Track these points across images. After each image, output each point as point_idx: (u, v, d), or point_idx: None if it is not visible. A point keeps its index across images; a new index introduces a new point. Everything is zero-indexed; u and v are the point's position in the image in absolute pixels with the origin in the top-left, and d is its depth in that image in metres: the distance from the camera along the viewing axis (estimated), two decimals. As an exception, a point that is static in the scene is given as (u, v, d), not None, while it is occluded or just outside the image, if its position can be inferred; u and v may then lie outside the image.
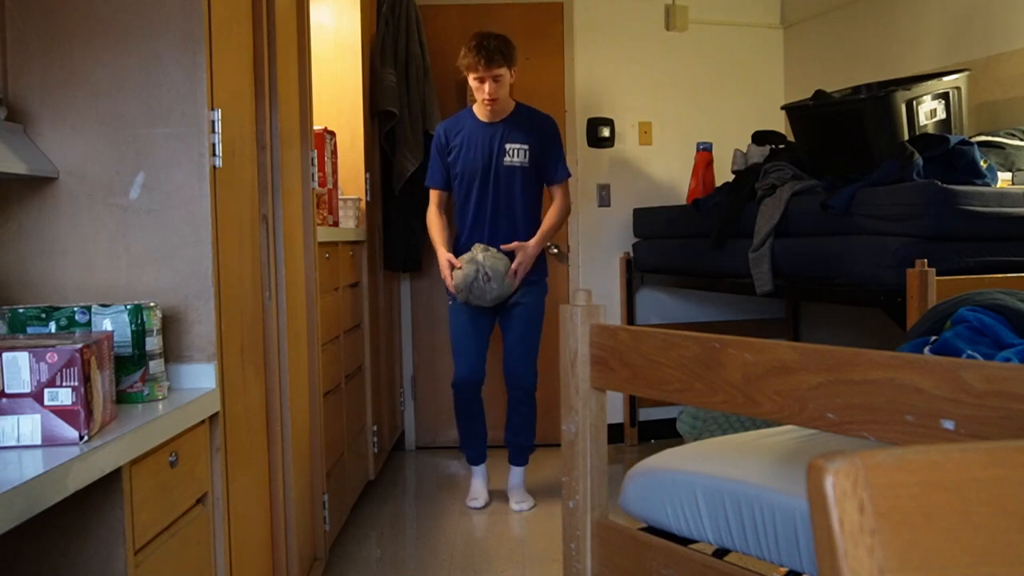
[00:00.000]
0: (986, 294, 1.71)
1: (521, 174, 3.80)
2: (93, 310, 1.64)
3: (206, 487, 1.81)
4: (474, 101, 3.88)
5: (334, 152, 3.72)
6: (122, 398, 1.63)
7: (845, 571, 0.58)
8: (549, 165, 3.85)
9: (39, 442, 1.32)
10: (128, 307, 1.64)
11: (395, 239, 4.53)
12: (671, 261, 4.46)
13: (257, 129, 2.26)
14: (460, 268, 3.69)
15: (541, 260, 3.88)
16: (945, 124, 3.41)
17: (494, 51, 3.68)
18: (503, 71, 3.72)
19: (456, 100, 4.88)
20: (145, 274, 1.80)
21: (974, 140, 3.21)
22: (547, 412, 4.49)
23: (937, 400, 1.09)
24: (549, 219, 3.86)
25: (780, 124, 4.58)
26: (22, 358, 1.32)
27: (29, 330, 1.62)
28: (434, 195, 3.92)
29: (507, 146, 3.78)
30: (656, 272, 4.66)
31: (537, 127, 3.82)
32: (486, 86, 3.72)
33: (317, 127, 3.32)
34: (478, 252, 3.69)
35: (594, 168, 4.94)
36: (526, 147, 3.78)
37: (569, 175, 3.90)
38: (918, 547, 0.60)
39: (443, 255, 3.79)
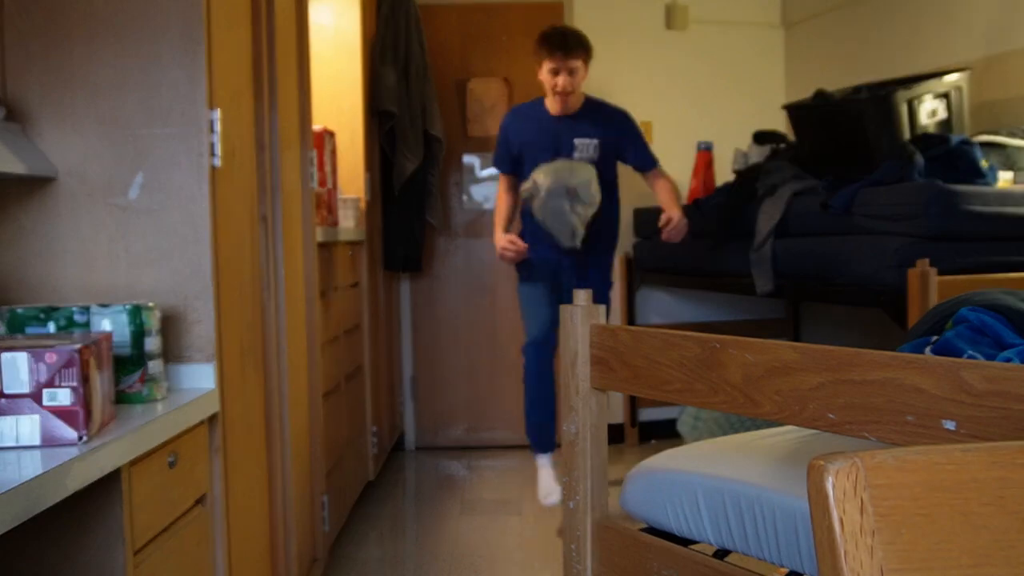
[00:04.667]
0: (987, 294, 1.71)
1: (589, 166, 3.70)
2: (92, 310, 1.64)
3: (206, 487, 1.81)
4: (541, 95, 3.83)
5: (334, 152, 3.72)
6: (121, 398, 1.63)
7: (845, 571, 0.58)
8: (634, 155, 3.80)
9: (38, 442, 1.32)
10: (127, 307, 1.64)
11: (395, 239, 4.52)
12: (671, 261, 4.46)
13: (257, 129, 2.26)
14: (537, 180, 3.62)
15: (616, 228, 3.90)
16: (946, 124, 3.40)
17: (573, 42, 3.64)
18: (579, 63, 3.65)
19: (456, 100, 4.88)
20: (145, 274, 1.80)
21: (975, 140, 3.20)
22: (547, 412, 4.49)
23: (938, 400, 1.09)
24: (664, 194, 3.82)
25: (780, 124, 4.58)
26: (21, 358, 1.32)
27: (28, 330, 1.61)
28: (502, 179, 3.90)
29: (576, 140, 3.68)
30: (656, 272, 4.66)
31: (608, 120, 3.74)
32: (560, 78, 3.63)
33: (317, 127, 3.31)
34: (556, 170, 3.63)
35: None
36: (595, 141, 3.69)
37: (657, 162, 3.83)
38: (918, 547, 0.59)
39: (498, 236, 3.75)
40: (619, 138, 3.74)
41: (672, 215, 3.72)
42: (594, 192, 3.59)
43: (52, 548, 1.41)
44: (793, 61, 5.13)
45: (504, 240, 3.69)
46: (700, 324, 4.87)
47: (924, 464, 0.61)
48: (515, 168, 3.80)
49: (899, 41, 4.24)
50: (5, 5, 1.77)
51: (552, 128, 3.71)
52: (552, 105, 3.74)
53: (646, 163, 3.83)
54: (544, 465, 3.77)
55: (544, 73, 3.68)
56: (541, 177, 3.59)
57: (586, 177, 3.58)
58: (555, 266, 3.77)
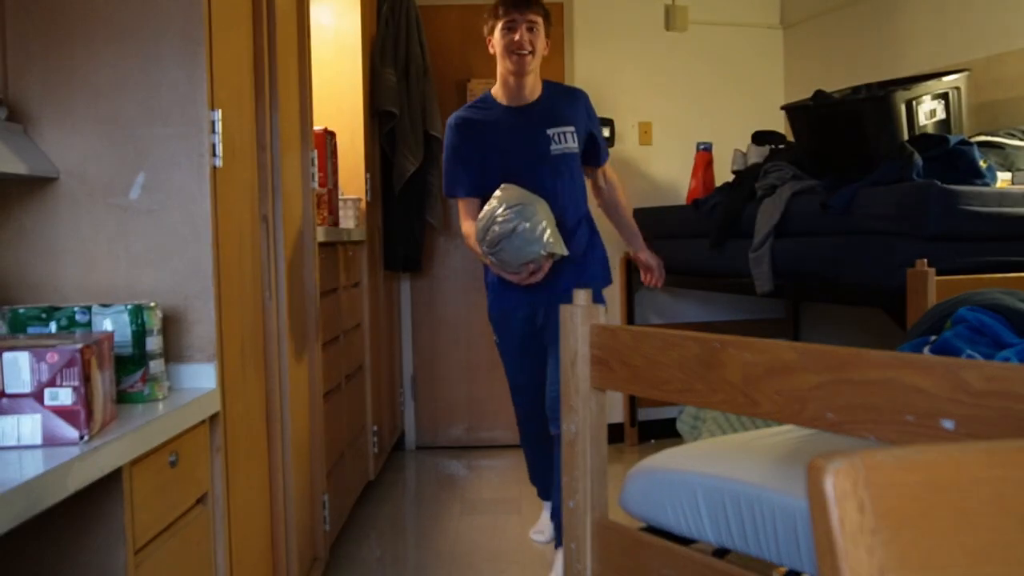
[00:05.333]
0: (986, 294, 1.71)
1: (571, 162, 3.02)
2: (93, 310, 1.64)
3: (206, 487, 1.81)
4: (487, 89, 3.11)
5: (334, 152, 3.72)
6: (122, 398, 1.63)
7: (845, 571, 0.58)
8: (596, 145, 3.14)
9: (39, 442, 1.32)
10: (128, 307, 1.64)
11: (395, 239, 4.52)
12: (671, 261, 4.44)
13: (257, 129, 2.26)
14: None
15: (604, 260, 3.19)
16: (945, 124, 3.41)
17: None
18: (539, 20, 2.98)
19: (456, 100, 4.88)
20: (145, 274, 1.80)
21: (974, 140, 3.21)
22: (547, 412, 4.49)
23: (937, 400, 1.09)
24: (627, 213, 3.31)
25: (780, 124, 4.58)
26: (22, 358, 1.32)
27: (29, 330, 1.62)
28: (464, 206, 3.04)
29: (550, 132, 2.97)
30: (656, 272, 4.65)
31: (575, 101, 3.08)
32: (518, 34, 2.93)
33: (317, 127, 3.32)
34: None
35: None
36: (571, 128, 3.00)
37: (607, 155, 3.26)
38: (918, 547, 0.60)
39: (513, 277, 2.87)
40: (588, 120, 3.09)
41: (648, 261, 3.31)
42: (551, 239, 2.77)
43: (52, 548, 1.41)
44: (792, 61, 5.14)
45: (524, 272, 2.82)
46: (700, 324, 4.87)
47: (924, 464, 0.62)
48: (477, 189, 3.00)
49: (898, 42, 4.24)
50: (6, 5, 1.77)
51: (515, 123, 2.98)
52: (506, 92, 3.01)
53: (602, 155, 3.18)
54: (548, 508, 3.46)
55: (497, 38, 2.97)
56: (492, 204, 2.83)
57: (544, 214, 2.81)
58: (532, 316, 3.03)
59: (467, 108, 3.07)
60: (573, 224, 3.02)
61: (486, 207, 2.80)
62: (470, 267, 4.92)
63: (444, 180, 3.08)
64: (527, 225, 2.73)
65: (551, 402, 2.93)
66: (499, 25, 2.95)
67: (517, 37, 2.92)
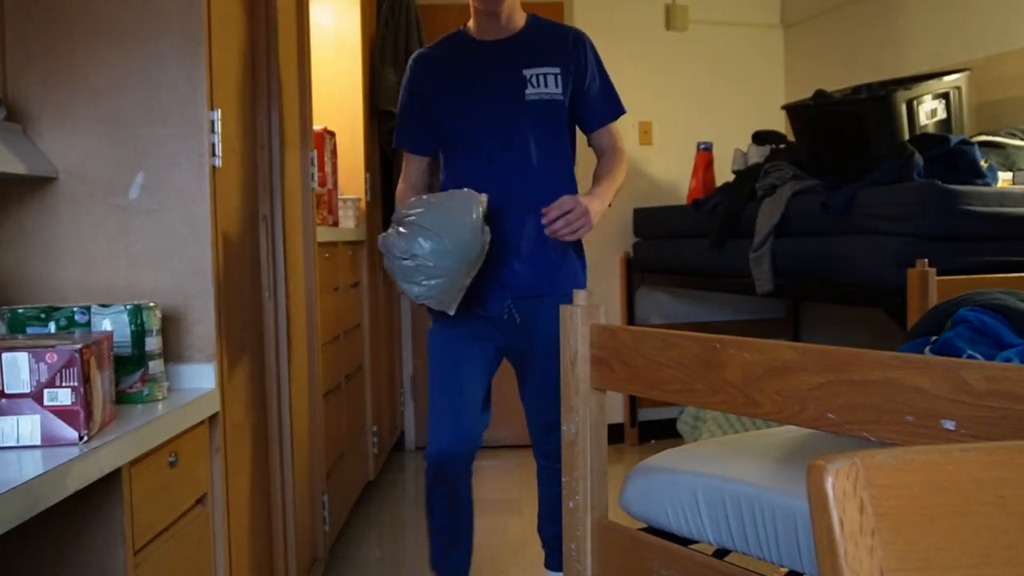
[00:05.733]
0: (987, 294, 1.71)
1: (552, 113, 2.36)
2: (93, 310, 1.64)
3: (206, 487, 1.81)
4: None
5: (334, 152, 3.72)
6: (122, 398, 1.63)
7: (845, 571, 0.58)
8: (594, 96, 2.44)
9: (39, 442, 1.32)
10: (128, 307, 1.64)
11: (395, 239, 4.51)
12: (671, 261, 4.46)
13: (257, 129, 2.26)
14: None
15: (581, 264, 2.50)
16: (945, 124, 3.41)
17: None
18: None
19: (456, 100, 4.87)
20: (145, 274, 1.80)
21: (974, 140, 3.21)
22: (547, 412, 4.50)
23: (937, 400, 1.09)
24: (609, 168, 2.44)
25: (780, 124, 4.58)
26: (22, 358, 1.32)
27: (29, 330, 1.61)
28: (411, 163, 2.48)
29: (527, 72, 2.34)
30: (656, 272, 4.66)
31: (565, 41, 2.42)
32: None
33: (317, 127, 3.31)
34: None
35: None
36: (556, 71, 2.36)
37: (624, 109, 2.52)
38: (918, 547, 0.59)
39: None
40: (583, 68, 2.42)
41: (567, 203, 2.25)
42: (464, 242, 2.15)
43: (52, 548, 1.41)
44: (793, 61, 5.13)
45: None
46: (700, 324, 4.87)
47: (924, 464, 0.62)
48: (430, 146, 2.46)
49: (898, 41, 4.24)
50: (5, 5, 1.77)
51: (487, 59, 2.39)
52: (477, 24, 2.43)
53: (612, 106, 2.48)
54: None
55: None
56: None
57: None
58: (488, 321, 2.40)
59: (433, 44, 2.51)
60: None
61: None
62: (470, 267, 4.92)
63: (395, 128, 2.50)
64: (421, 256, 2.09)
65: (540, 429, 2.43)
66: None
67: None
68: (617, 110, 2.48)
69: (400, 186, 2.50)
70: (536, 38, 2.40)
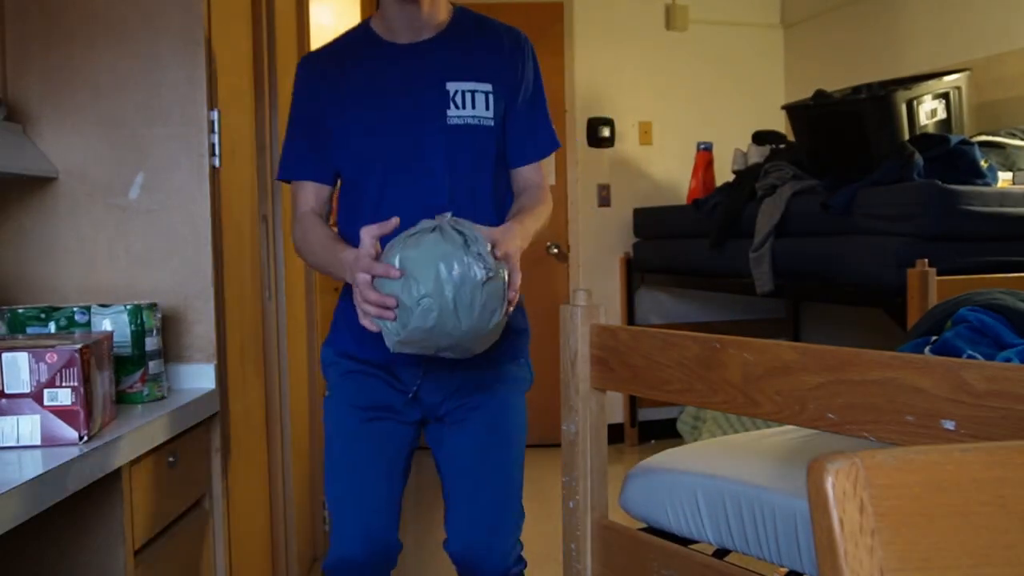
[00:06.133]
0: (986, 294, 1.71)
1: (483, 143, 1.76)
2: (93, 310, 1.64)
3: (206, 487, 1.81)
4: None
5: (334, 152, 3.71)
6: (122, 398, 1.63)
7: (845, 571, 0.58)
8: (524, 122, 1.81)
9: (39, 442, 1.32)
10: (128, 307, 1.64)
11: (395, 239, 4.49)
12: (671, 261, 4.46)
13: (257, 129, 2.26)
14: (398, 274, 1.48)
15: (524, 329, 1.87)
16: (945, 124, 3.41)
17: None
18: None
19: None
20: (145, 274, 1.80)
21: (974, 140, 3.21)
22: (547, 412, 4.49)
23: (937, 400, 1.09)
24: (531, 206, 1.77)
25: (780, 124, 4.58)
26: (22, 358, 1.32)
27: (29, 330, 1.61)
28: (303, 194, 1.78)
29: (452, 87, 1.74)
30: (656, 272, 4.66)
31: (502, 46, 1.81)
32: None
33: (317, 127, 3.31)
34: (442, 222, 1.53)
35: (594, 168, 4.94)
36: (487, 88, 1.76)
37: (558, 144, 1.89)
38: (918, 547, 0.59)
39: (362, 258, 1.50)
40: (518, 83, 1.80)
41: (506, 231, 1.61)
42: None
43: (52, 548, 1.41)
44: (793, 61, 5.13)
45: (366, 261, 1.50)
46: (700, 324, 4.87)
47: (924, 464, 0.61)
48: (325, 174, 1.78)
49: (898, 41, 4.24)
50: (5, 5, 1.77)
51: (398, 67, 1.76)
52: (392, 17, 1.77)
53: (541, 139, 1.84)
54: None
55: None
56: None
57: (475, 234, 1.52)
58: (402, 389, 1.77)
59: (329, 43, 1.85)
60: None
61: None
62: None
63: (281, 155, 1.82)
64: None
65: (470, 538, 1.80)
66: None
67: None
68: (550, 144, 1.85)
69: (300, 226, 1.75)
70: (465, 41, 1.78)
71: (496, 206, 1.79)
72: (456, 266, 1.45)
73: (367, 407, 1.76)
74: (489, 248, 1.50)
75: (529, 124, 1.82)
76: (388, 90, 1.75)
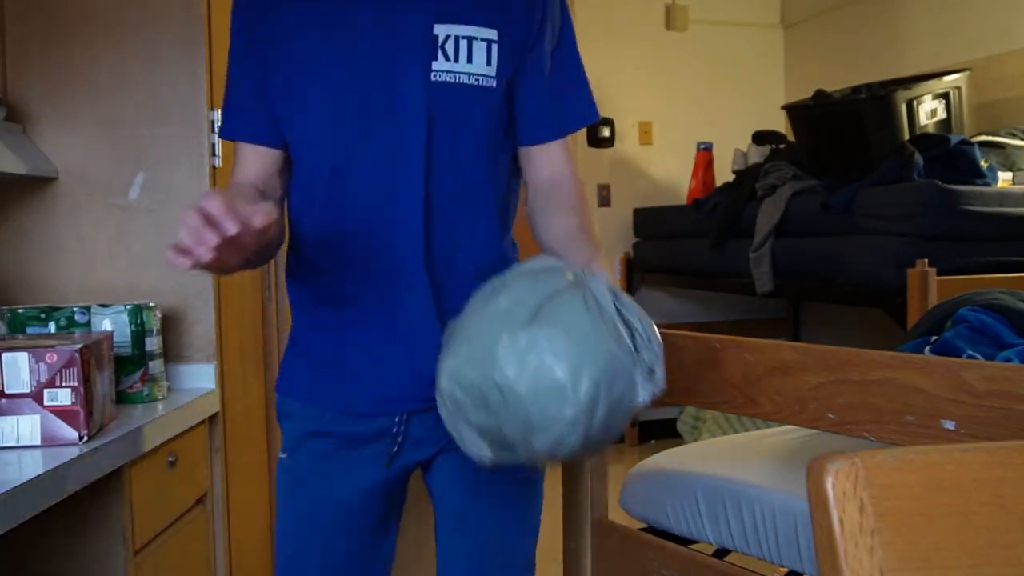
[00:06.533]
0: (986, 294, 1.71)
1: (475, 107, 1.28)
2: (93, 310, 1.64)
3: (206, 487, 1.81)
4: None
5: (334, 152, 3.71)
6: (122, 398, 1.63)
7: (845, 571, 0.58)
8: (547, 84, 1.34)
9: (39, 442, 1.32)
10: (128, 307, 1.64)
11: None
12: (671, 261, 4.46)
13: (257, 129, 2.25)
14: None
15: None
16: (945, 124, 3.41)
17: None
18: None
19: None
20: (145, 274, 1.80)
21: (974, 140, 3.21)
22: (547, 412, 4.50)
23: (937, 400, 1.09)
24: (585, 226, 1.28)
25: (780, 124, 4.58)
26: (22, 358, 1.32)
27: (29, 330, 1.61)
28: (242, 159, 1.32)
29: (440, 29, 1.26)
30: (656, 272, 4.66)
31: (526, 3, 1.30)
32: None
33: (317, 127, 3.31)
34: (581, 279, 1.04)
35: (594, 168, 4.94)
36: (491, 34, 1.28)
37: (596, 114, 1.41)
38: (918, 547, 0.59)
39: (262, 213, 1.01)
40: (539, 31, 1.32)
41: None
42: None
43: (52, 548, 1.41)
44: (793, 61, 5.13)
45: (217, 205, 1.02)
46: (700, 324, 4.87)
47: (924, 464, 0.62)
48: (272, 135, 1.30)
49: (898, 41, 4.24)
50: (5, 5, 1.77)
51: (364, 5, 1.27)
52: None
53: (578, 111, 1.38)
54: None
55: None
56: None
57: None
58: (379, 451, 1.32)
59: None
60: (470, 274, 1.25)
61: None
62: (470, 267, 4.92)
63: (223, 106, 1.36)
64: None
65: None
66: None
67: None
68: (586, 113, 1.38)
69: (232, 183, 1.31)
70: None
71: (498, 207, 1.31)
72: (620, 382, 0.99)
73: (337, 501, 1.31)
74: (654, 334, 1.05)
75: (555, 85, 1.33)
76: (352, 26, 1.26)
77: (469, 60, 1.27)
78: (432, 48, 1.25)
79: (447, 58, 1.26)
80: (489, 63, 1.27)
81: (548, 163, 1.34)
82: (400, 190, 1.25)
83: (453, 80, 1.26)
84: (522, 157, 1.35)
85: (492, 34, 1.27)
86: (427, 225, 1.25)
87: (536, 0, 1.31)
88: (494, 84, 1.27)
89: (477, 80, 1.27)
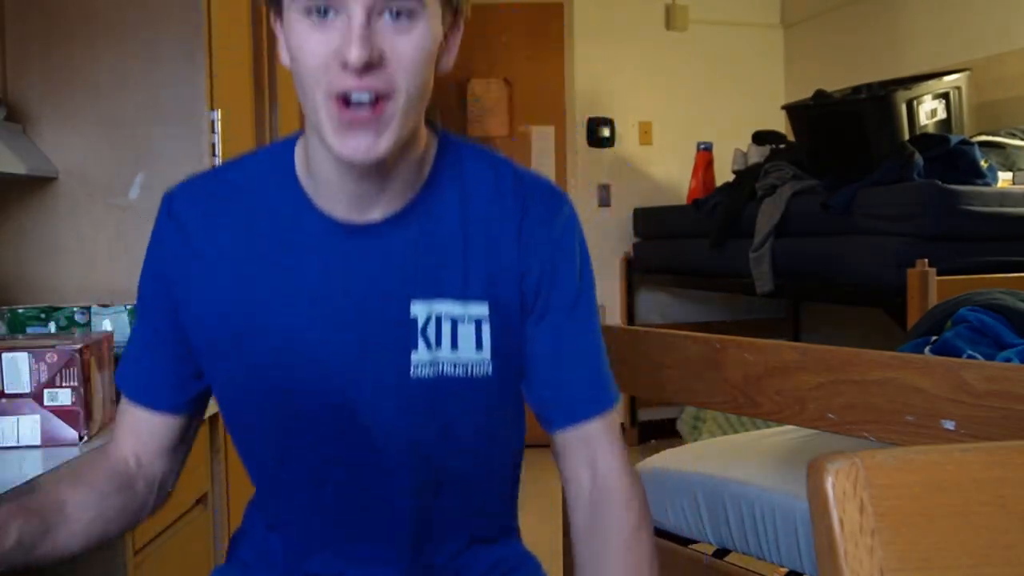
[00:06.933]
0: (986, 294, 1.71)
1: (470, 409, 0.99)
2: (93, 310, 1.64)
3: (206, 487, 1.81)
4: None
5: (334, 152, 3.71)
6: (122, 398, 1.63)
7: (845, 571, 0.58)
8: (561, 351, 1.01)
9: (39, 442, 1.32)
10: (128, 307, 1.64)
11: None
12: (671, 261, 4.46)
13: (257, 129, 2.26)
14: None
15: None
16: (945, 124, 3.41)
17: None
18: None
19: (456, 100, 4.87)
20: (145, 274, 1.80)
21: (974, 140, 3.21)
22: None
23: (937, 400, 1.09)
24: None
25: (780, 124, 4.58)
26: (22, 358, 1.32)
27: (29, 330, 1.61)
28: (121, 423, 1.05)
29: (418, 308, 0.96)
30: (656, 272, 4.66)
31: (515, 217, 0.98)
32: (355, 36, 0.83)
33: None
34: None
35: (594, 168, 4.94)
36: (481, 311, 0.97)
37: (616, 398, 1.06)
38: (918, 547, 0.59)
39: None
40: (546, 289, 0.99)
41: None
42: None
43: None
44: (793, 61, 5.13)
45: None
46: (700, 324, 4.87)
47: (924, 464, 0.62)
48: (186, 401, 1.05)
49: (898, 41, 4.24)
50: (5, 5, 1.77)
51: (324, 259, 0.96)
52: (322, 176, 0.95)
53: (591, 390, 1.02)
54: None
55: (290, 35, 0.91)
56: None
57: None
58: None
59: (219, 177, 1.05)
60: None
61: None
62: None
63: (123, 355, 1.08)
64: None
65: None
66: (292, 20, 0.91)
67: (354, 48, 0.84)
68: (605, 397, 1.04)
69: (97, 460, 1.05)
70: (448, 219, 0.98)
71: (486, 503, 1.07)
72: None
73: None
74: None
75: (575, 350, 1.03)
76: (302, 304, 0.96)
77: (455, 345, 0.97)
78: (410, 332, 0.96)
79: (429, 344, 0.96)
80: (480, 346, 0.97)
81: (584, 459, 1.01)
82: (372, 525, 1.02)
83: (435, 374, 0.96)
84: (551, 446, 1.03)
85: (482, 308, 0.97)
86: (417, 545, 1.02)
87: (541, 249, 0.99)
88: (489, 371, 0.98)
89: (468, 368, 0.97)
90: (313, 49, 0.87)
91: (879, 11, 4.36)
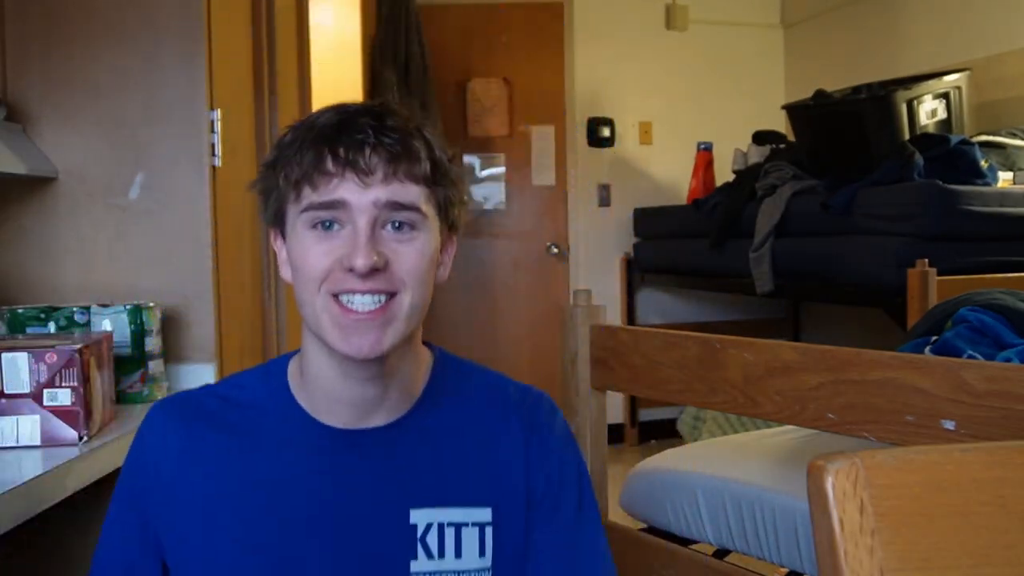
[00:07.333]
0: (986, 294, 1.71)
1: None
2: (92, 310, 1.64)
3: (206, 487, 1.81)
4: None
5: (334, 152, 3.71)
6: (122, 398, 1.63)
7: (845, 571, 0.58)
8: (562, 559, 1.00)
9: (38, 443, 1.32)
10: (127, 307, 1.64)
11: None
12: (671, 261, 4.46)
13: (257, 129, 2.25)
14: None
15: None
16: (946, 124, 3.41)
17: (395, 137, 0.91)
18: (419, 197, 0.92)
19: (456, 100, 4.87)
20: (145, 274, 1.80)
21: (975, 140, 3.21)
22: (547, 412, 4.49)
23: (937, 400, 1.09)
24: None
25: (780, 124, 4.58)
26: (21, 358, 1.32)
27: (28, 330, 1.61)
28: None
29: (418, 516, 0.96)
30: (656, 272, 4.66)
31: (508, 428, 1.02)
32: (360, 247, 0.88)
33: (317, 127, 3.30)
34: None
35: (594, 168, 4.94)
36: (484, 517, 0.98)
37: None
38: (918, 547, 0.59)
39: None
40: (548, 496, 1.01)
41: None
42: None
43: (52, 548, 1.41)
44: (793, 61, 5.13)
45: None
46: (700, 324, 4.87)
47: (924, 464, 0.62)
48: None
49: (899, 41, 4.24)
50: (5, 5, 1.77)
51: (321, 468, 0.97)
52: (318, 384, 0.98)
53: None
54: None
55: (294, 241, 0.93)
56: None
57: None
58: None
59: (209, 395, 1.05)
60: None
61: None
62: (470, 267, 4.92)
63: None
64: None
65: None
66: (296, 218, 0.93)
67: (360, 256, 0.88)
68: None
69: None
70: (446, 428, 1.01)
71: None
72: None
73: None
74: None
75: (574, 555, 1.01)
76: (299, 520, 0.95)
77: (458, 552, 0.96)
78: (410, 540, 0.95)
79: (430, 553, 0.95)
80: (483, 552, 0.96)
81: None
82: None
83: None
84: None
85: (485, 514, 0.97)
86: None
87: (539, 456, 1.00)
88: None
89: None
90: (319, 256, 0.90)
91: (879, 11, 4.36)
